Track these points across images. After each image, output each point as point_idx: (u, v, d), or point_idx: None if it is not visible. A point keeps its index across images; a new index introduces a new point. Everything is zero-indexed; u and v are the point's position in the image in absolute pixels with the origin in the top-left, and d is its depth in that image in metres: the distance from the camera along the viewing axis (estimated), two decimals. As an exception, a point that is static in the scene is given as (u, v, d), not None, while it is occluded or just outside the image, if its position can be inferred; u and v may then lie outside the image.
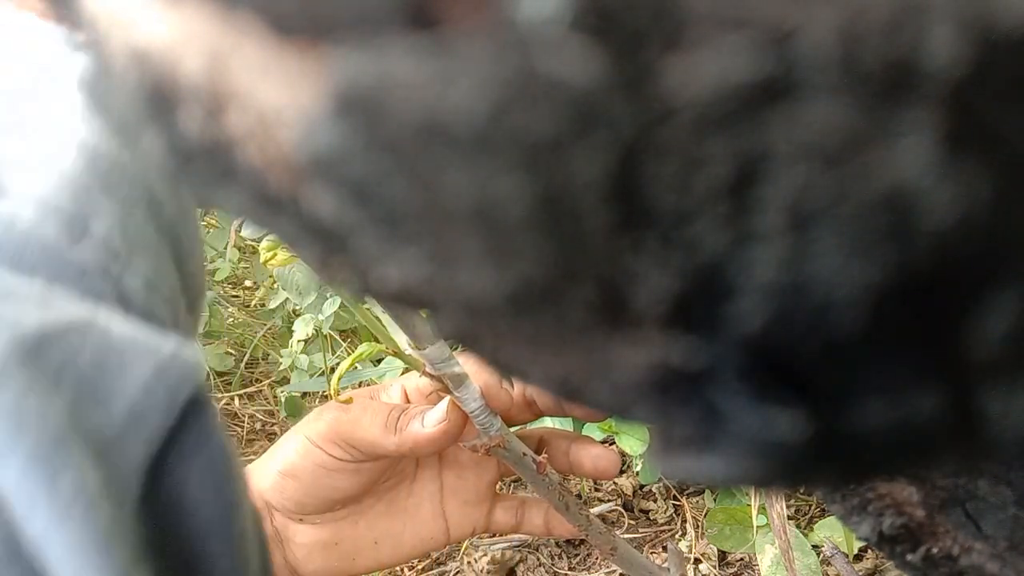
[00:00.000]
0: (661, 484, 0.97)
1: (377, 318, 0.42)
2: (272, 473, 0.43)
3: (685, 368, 0.11)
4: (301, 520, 0.45)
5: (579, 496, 0.98)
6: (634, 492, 0.97)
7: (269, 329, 1.22)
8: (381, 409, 0.41)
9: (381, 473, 0.45)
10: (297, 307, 1.05)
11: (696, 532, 0.92)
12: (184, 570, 0.21)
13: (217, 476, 0.22)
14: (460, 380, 0.41)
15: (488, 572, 0.92)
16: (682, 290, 0.10)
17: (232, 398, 1.17)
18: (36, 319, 0.19)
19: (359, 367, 0.86)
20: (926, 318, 0.10)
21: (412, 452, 0.41)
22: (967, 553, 0.24)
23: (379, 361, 0.92)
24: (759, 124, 0.09)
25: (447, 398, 0.41)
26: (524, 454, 0.43)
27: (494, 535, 0.91)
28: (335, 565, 0.45)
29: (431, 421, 0.40)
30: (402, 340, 0.40)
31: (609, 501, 0.97)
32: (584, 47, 0.09)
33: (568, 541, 0.94)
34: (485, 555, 0.93)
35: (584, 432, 0.83)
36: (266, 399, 1.19)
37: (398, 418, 0.41)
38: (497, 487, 0.49)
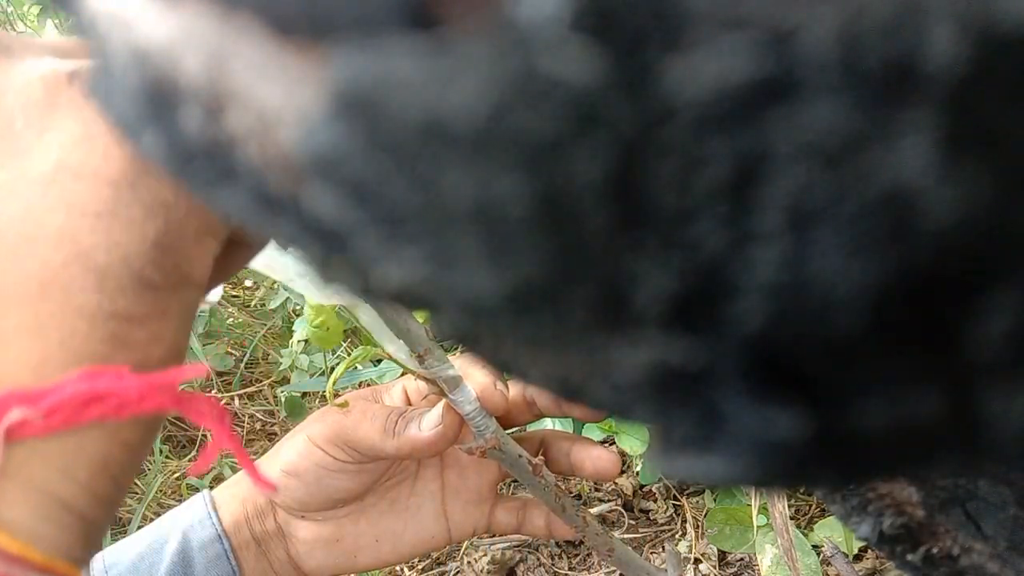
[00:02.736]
0: (661, 484, 0.97)
1: (362, 323, 0.41)
2: (275, 472, 0.44)
3: (685, 368, 0.11)
4: (303, 517, 0.45)
5: (579, 496, 0.98)
6: (634, 492, 0.97)
7: (269, 329, 1.22)
8: (380, 412, 0.42)
9: (382, 473, 0.45)
10: (297, 307, 1.05)
11: (696, 532, 0.92)
12: None
13: None
14: (455, 383, 0.41)
15: (488, 572, 0.92)
16: (682, 290, 0.10)
17: (232, 398, 1.17)
18: None
19: (359, 368, 0.86)
20: (926, 318, 0.10)
21: (411, 455, 0.41)
22: (967, 553, 0.24)
23: (379, 362, 0.92)
24: (759, 124, 0.09)
25: (442, 401, 0.41)
26: (520, 456, 0.43)
27: (495, 535, 0.91)
28: (337, 562, 0.46)
29: (427, 425, 0.41)
30: (389, 345, 0.40)
31: (609, 501, 0.97)
32: (584, 47, 0.09)
33: (568, 541, 0.94)
34: (485, 555, 0.93)
35: (584, 432, 0.83)
36: (266, 399, 1.19)
37: (396, 421, 0.41)
38: (499, 488, 0.49)
